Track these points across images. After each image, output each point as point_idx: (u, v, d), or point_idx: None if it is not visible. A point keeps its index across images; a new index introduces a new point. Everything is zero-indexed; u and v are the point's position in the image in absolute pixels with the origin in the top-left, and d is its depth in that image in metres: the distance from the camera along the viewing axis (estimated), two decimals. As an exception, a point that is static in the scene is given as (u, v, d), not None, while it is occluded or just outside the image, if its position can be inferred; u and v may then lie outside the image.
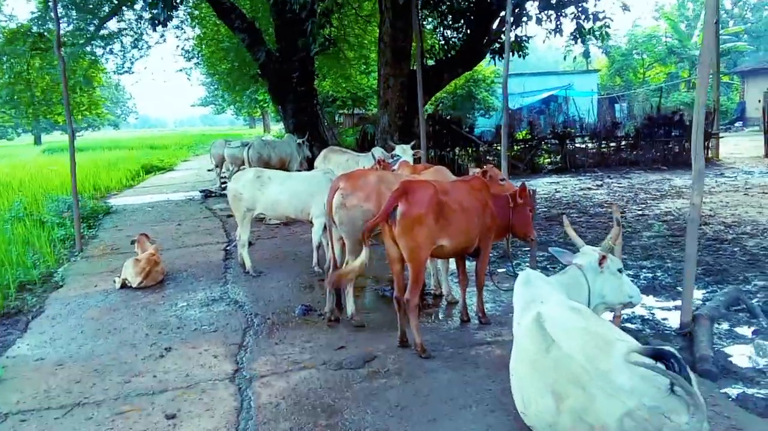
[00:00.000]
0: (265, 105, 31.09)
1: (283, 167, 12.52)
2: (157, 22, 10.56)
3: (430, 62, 14.04)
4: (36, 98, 17.33)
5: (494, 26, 13.41)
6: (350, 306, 5.24)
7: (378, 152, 8.49)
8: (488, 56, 14.15)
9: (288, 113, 16.23)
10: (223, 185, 15.16)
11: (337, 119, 26.13)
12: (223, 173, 15.40)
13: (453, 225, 4.57)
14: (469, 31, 13.55)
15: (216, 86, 33.32)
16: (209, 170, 20.13)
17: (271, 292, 6.39)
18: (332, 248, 5.28)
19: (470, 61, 13.58)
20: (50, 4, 15.45)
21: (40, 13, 15.74)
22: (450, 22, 13.64)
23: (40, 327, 5.71)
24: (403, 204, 4.34)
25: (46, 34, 16.07)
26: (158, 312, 5.88)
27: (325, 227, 7.03)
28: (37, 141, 50.56)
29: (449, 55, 13.71)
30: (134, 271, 6.76)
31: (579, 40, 13.69)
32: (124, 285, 6.81)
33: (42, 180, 16.75)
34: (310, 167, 13.85)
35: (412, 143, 8.50)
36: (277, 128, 42.68)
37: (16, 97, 17.13)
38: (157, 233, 9.88)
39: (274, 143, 12.41)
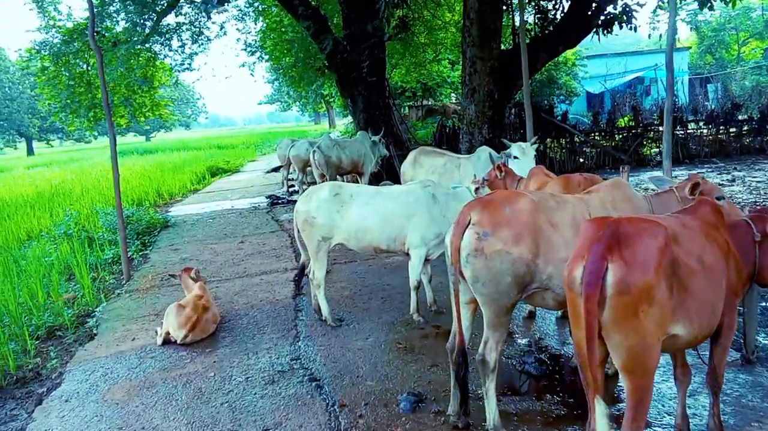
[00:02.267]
0: (331, 100, 29.39)
1: (356, 170, 10.67)
2: (210, 3, 8.88)
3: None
4: (97, 101, 16.17)
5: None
6: (493, 414, 3.24)
7: (493, 154, 6.41)
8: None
9: (358, 107, 14.36)
10: (290, 190, 13.51)
11: (402, 111, 24.11)
12: (290, 175, 13.76)
13: (693, 297, 2.50)
14: (569, 2, 11.22)
15: (281, 82, 31.98)
16: (267, 172, 18.67)
17: (359, 358, 4.48)
18: (458, 316, 3.29)
19: (572, 37, 11.23)
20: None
21: (98, 9, 14.50)
22: (548, -8, 11.36)
23: (48, 415, 4.05)
24: (620, 266, 2.30)
25: (104, 32, 14.92)
26: (204, 394, 4.09)
27: (427, 260, 5.12)
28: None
29: (546, 31, 11.42)
30: (177, 322, 5.03)
31: (707, 6, 11.07)
32: (167, 340, 5.10)
33: (106, 187, 15.65)
34: (390, 170, 11.95)
35: (534, 138, 6.39)
36: (343, 123, 41.12)
37: (76, 99, 16.04)
38: (216, 255, 8.25)
39: (344, 143, 10.53)
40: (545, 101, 16.98)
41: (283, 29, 16.85)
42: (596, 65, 29.42)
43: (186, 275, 5.61)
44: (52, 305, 6.37)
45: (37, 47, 15.49)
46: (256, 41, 17.75)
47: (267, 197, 13.08)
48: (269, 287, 6.48)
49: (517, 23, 12.27)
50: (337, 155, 10.15)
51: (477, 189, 5.03)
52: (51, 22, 15.31)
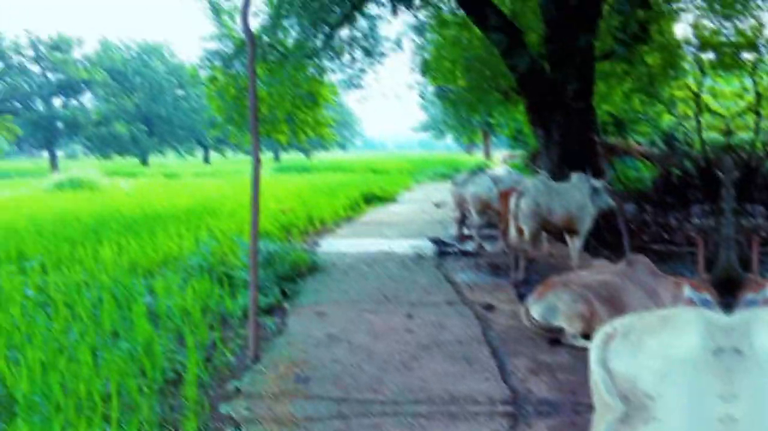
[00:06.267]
0: (498, 128, 26.29)
1: (569, 227, 7.47)
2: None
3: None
4: (262, 115, 14.76)
5: None
6: None
7: None
8: None
9: (552, 140, 11.22)
10: (464, 237, 10.62)
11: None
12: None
13: None
14: None
15: (440, 109, 29.53)
16: (437, 205, 16.04)
17: None
18: None
19: None
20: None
21: (272, 20, 12.99)
22: None
23: None
24: None
25: (276, 45, 13.40)
26: None
27: None
28: (276, 158, 52.55)
29: None
30: None
31: None
32: None
33: (261, 205, 13.98)
34: (608, 230, 8.59)
35: None
36: (500, 155, 37.77)
37: (242, 113, 14.77)
38: (375, 338, 5.51)
39: (559, 189, 7.39)
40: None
41: (462, 45, 14.22)
42: None
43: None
44: (136, 402, 4.04)
45: (209, 57, 14.47)
46: (431, 59, 15.27)
47: (431, 241, 10.33)
48: (469, 443, 3.56)
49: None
50: (547, 205, 7.06)
51: None
52: (225, 31, 14.18)
